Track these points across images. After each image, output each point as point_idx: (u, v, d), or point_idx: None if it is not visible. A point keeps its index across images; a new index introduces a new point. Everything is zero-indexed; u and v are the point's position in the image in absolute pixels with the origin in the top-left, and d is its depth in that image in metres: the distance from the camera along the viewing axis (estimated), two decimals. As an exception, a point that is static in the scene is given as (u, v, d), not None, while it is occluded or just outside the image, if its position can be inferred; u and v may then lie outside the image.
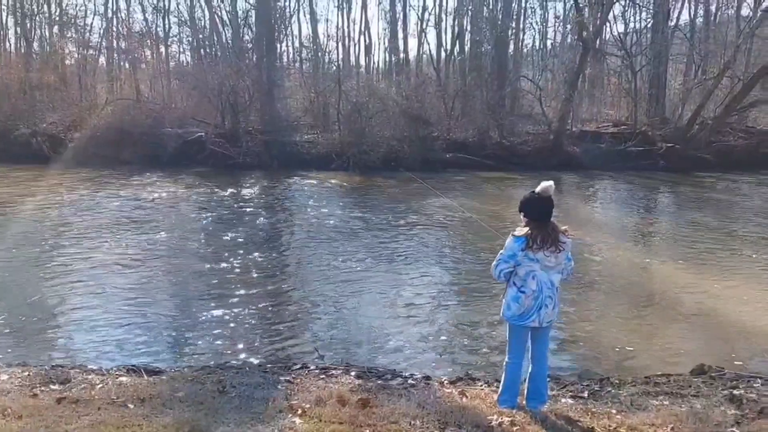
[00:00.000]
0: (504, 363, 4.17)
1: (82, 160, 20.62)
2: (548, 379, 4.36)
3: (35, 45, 30.11)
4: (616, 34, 30.46)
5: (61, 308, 7.16)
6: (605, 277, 8.92)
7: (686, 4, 29.30)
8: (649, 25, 28.26)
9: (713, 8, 29.75)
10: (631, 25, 31.65)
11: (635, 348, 6.20)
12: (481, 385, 4.75)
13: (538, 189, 3.96)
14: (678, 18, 28.91)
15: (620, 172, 21.03)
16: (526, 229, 3.96)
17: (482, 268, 8.38)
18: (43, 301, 7.38)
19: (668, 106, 26.40)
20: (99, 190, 16.40)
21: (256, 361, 5.60)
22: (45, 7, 30.34)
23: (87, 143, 22.02)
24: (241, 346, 6.14)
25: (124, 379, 4.62)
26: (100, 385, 4.41)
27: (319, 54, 33.88)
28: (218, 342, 6.25)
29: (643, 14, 29.66)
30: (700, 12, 29.65)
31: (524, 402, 4.13)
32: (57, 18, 30.83)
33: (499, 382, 4.26)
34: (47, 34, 30.73)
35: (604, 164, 21.61)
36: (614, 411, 4.17)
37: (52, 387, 4.38)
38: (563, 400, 4.42)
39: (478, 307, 7.42)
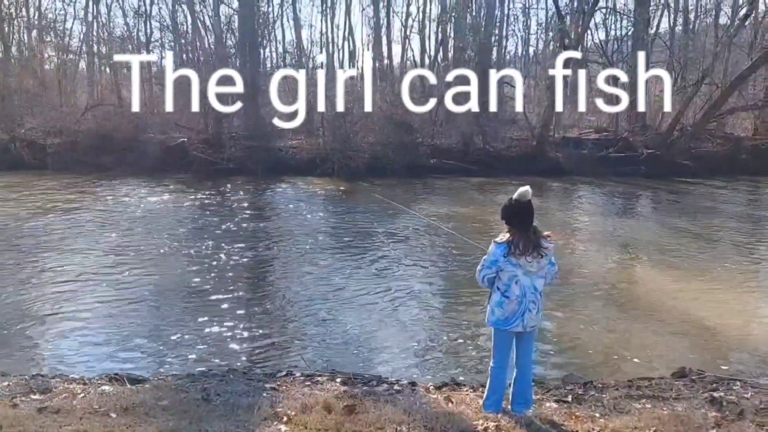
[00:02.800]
0: (489, 368, 4.20)
1: (62, 166, 20.34)
2: (533, 384, 4.39)
3: (13, 49, 29.65)
4: (597, 41, 30.90)
5: (40, 316, 7.05)
6: (587, 281, 9.00)
7: (666, 13, 29.85)
8: (629, 33, 28.69)
9: (692, 17, 30.31)
10: (613, 32, 32.13)
11: (618, 352, 6.27)
12: (467, 391, 4.77)
13: (515, 195, 4.01)
14: (658, 26, 29.41)
15: (602, 177, 21.26)
16: (508, 235, 4.00)
17: (466, 273, 8.42)
18: (21, 309, 7.25)
19: (649, 112, 26.76)
20: (79, 196, 16.19)
21: (240, 369, 5.55)
22: (23, 11, 29.95)
23: (67, 149, 21.75)
24: (225, 353, 6.10)
25: (106, 387, 4.56)
26: (82, 395, 4.35)
27: (303, 59, 33.86)
28: (202, 350, 6.20)
29: (624, 22, 30.18)
30: (680, 20, 30.19)
31: (509, 406, 4.16)
32: (36, 22, 30.43)
33: (485, 387, 4.29)
34: (26, 38, 30.33)
35: (587, 170, 21.82)
36: (598, 414, 4.21)
37: (32, 397, 4.31)
38: (547, 404, 4.46)
39: (463, 312, 7.45)
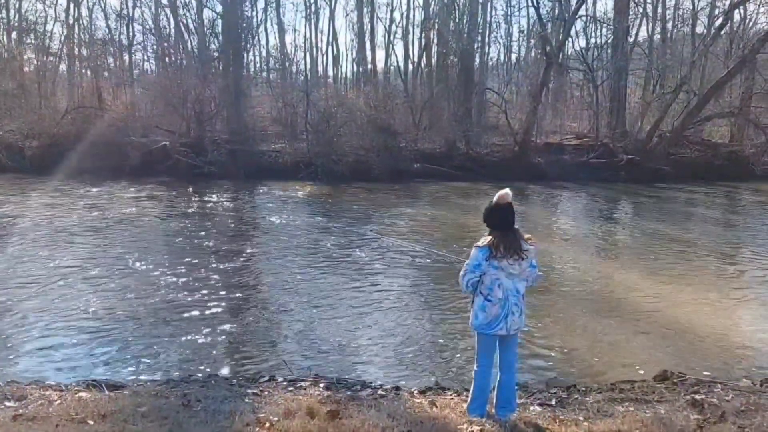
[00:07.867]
0: (473, 372, 4.19)
1: (40, 169, 20.05)
2: (517, 388, 4.39)
3: (-8, 51, 29.21)
4: (578, 49, 31.31)
5: (15, 322, 6.90)
6: (570, 286, 9.06)
7: (645, 22, 30.33)
8: (609, 41, 29.08)
9: (670, 26, 30.82)
10: (593, 40, 32.55)
11: (600, 355, 6.31)
12: (451, 395, 4.76)
13: (494, 199, 4.02)
14: (637, 35, 29.86)
15: (583, 183, 21.49)
16: (489, 238, 4.01)
17: (449, 278, 8.42)
18: (-3, 314, 7.10)
19: (628, 119, 27.14)
20: (58, 200, 15.93)
21: (222, 374, 5.49)
22: (3, 12, 29.52)
23: (46, 152, 21.43)
24: (206, 358, 6.01)
25: (83, 394, 4.47)
26: (59, 402, 4.26)
27: (287, 64, 33.82)
28: (182, 355, 6.11)
29: (604, 30, 30.59)
30: (658, 29, 30.67)
31: (494, 410, 4.15)
32: (16, 24, 29.99)
33: (469, 391, 4.27)
34: (5, 40, 29.84)
35: (568, 175, 22.06)
36: (581, 418, 4.22)
37: (7, 404, 4.21)
38: (532, 407, 4.46)
39: (447, 317, 7.45)
